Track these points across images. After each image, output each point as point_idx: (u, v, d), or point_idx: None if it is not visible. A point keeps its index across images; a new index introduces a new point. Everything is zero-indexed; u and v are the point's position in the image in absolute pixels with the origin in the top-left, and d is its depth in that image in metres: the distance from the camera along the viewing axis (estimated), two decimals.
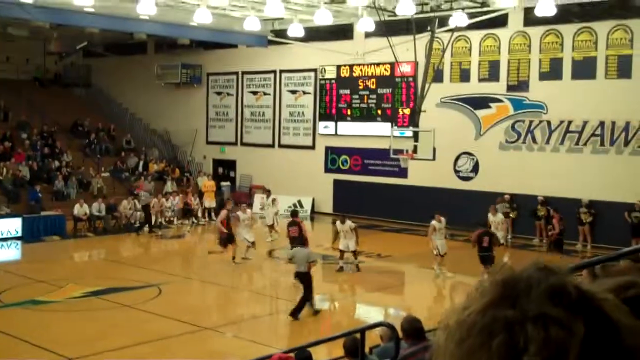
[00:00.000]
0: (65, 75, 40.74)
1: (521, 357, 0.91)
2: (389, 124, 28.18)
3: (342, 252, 19.96)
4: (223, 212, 21.31)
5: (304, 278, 15.53)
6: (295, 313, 15.19)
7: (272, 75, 33.20)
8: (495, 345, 0.93)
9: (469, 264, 18.02)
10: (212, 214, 29.92)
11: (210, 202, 30.04)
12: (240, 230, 21.45)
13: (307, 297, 15.35)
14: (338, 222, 20.42)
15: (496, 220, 21.43)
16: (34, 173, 29.88)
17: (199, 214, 29.83)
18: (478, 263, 17.49)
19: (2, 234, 24.70)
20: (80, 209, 26.37)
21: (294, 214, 21.13)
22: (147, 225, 27.12)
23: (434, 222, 19.78)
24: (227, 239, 20.61)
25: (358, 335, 8.17)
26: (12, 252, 24.07)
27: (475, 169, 27.15)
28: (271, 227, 24.96)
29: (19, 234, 24.89)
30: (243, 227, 21.60)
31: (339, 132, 30.82)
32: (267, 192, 27.62)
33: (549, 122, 25.28)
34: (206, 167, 35.37)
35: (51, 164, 31.11)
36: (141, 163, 33.81)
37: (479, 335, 0.96)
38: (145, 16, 25.35)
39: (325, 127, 31.29)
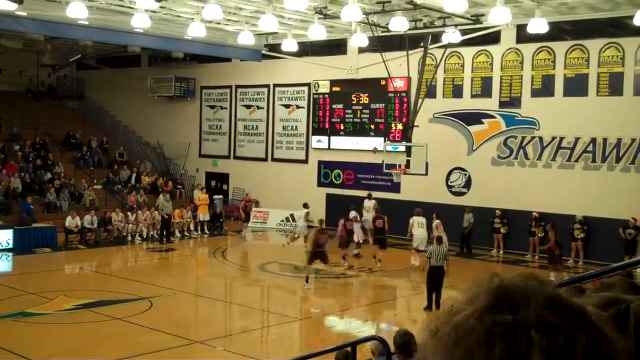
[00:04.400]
0: (58, 88, 40.72)
1: None
2: (381, 139, 28.27)
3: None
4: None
5: (439, 272, 16.78)
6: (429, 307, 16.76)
7: (265, 90, 33.28)
8: (499, 351, 0.94)
9: (459, 278, 17.94)
10: (205, 227, 29.91)
11: (204, 215, 30.01)
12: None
13: (440, 290, 16.68)
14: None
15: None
16: (26, 185, 29.80)
17: (192, 227, 29.79)
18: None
19: None
20: (72, 221, 26.29)
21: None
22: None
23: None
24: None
25: (349, 349, 8.16)
26: (2, 264, 23.97)
27: (468, 184, 27.22)
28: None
29: (10, 246, 24.80)
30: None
31: (332, 147, 30.89)
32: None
33: (541, 139, 25.39)
34: (199, 180, 35.35)
35: (43, 176, 31.02)
36: (134, 176, 33.77)
37: (476, 338, 0.96)
38: (140, 29, 25.41)
39: (319, 142, 31.35)
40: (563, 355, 0.93)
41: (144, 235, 28.02)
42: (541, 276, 1.05)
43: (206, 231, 29.91)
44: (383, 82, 28.53)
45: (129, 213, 28.25)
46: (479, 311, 0.99)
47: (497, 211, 25.33)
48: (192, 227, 29.75)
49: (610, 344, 0.97)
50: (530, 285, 1.01)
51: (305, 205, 26.90)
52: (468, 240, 25.58)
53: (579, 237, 23.71)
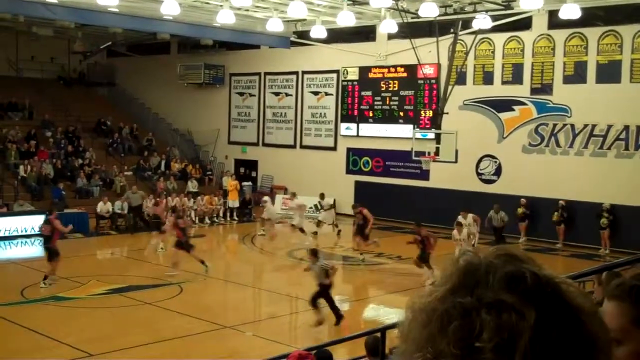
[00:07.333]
0: (89, 75, 41.06)
1: (475, 342, 0.95)
2: (411, 126, 28.14)
3: None
4: None
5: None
6: None
7: (294, 77, 33.26)
8: (451, 330, 0.97)
9: None
10: (234, 213, 30.03)
11: (233, 202, 30.14)
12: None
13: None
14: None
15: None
16: (57, 171, 30.15)
17: (221, 214, 29.94)
18: None
19: (25, 231, 25.01)
20: (103, 206, 26.58)
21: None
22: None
23: (459, 218, 20.62)
24: None
25: (379, 335, 8.16)
26: (35, 249, 24.29)
27: (498, 172, 27.01)
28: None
29: None
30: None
31: (360, 134, 30.81)
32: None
33: (572, 126, 25.09)
34: (227, 167, 35.51)
35: (75, 162, 31.37)
36: (163, 162, 34.02)
37: (438, 321, 0.99)
38: (169, 16, 25.49)
39: (347, 129, 31.29)
40: (511, 333, 0.95)
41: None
42: (519, 253, 1.05)
43: (235, 218, 30.05)
44: (412, 69, 28.36)
45: (158, 199, 28.43)
46: (443, 293, 1.02)
47: (521, 200, 25.09)
48: (221, 214, 29.91)
49: (578, 315, 0.99)
50: (493, 263, 1.02)
51: (322, 196, 27.56)
52: (501, 234, 24.81)
53: (605, 225, 23.39)
